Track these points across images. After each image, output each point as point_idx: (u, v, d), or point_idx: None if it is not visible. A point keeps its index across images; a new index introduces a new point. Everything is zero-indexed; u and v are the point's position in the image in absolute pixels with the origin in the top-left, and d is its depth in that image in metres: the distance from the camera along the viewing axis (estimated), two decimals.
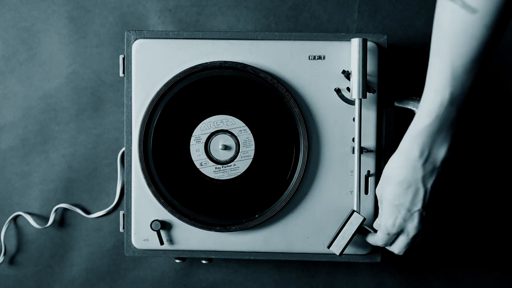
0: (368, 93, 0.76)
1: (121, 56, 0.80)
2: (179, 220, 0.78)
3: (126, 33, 0.79)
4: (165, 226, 0.79)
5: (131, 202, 0.80)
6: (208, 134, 0.78)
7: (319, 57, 0.78)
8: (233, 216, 0.78)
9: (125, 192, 0.80)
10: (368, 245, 0.79)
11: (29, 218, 0.93)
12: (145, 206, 0.79)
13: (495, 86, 0.91)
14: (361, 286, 0.93)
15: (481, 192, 0.92)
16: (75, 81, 0.93)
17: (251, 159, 0.78)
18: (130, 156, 0.79)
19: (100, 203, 0.93)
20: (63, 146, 0.93)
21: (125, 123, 0.79)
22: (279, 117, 0.78)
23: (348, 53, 0.77)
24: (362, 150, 0.76)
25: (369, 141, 0.78)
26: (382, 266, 0.93)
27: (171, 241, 0.80)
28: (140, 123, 0.78)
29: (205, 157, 0.78)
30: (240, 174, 0.78)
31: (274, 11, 0.92)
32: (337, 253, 0.75)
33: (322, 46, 0.78)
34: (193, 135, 0.78)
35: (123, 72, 0.79)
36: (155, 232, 0.79)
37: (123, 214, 0.81)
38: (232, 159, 0.78)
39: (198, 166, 0.78)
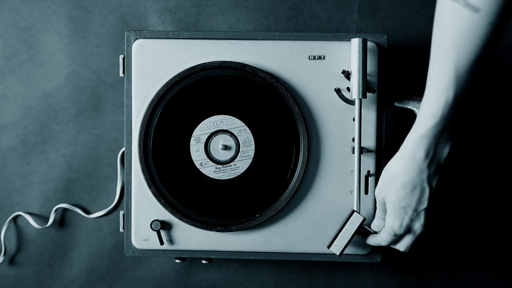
0: (368, 93, 0.76)
1: (121, 56, 0.80)
2: (179, 220, 0.78)
3: (126, 33, 0.79)
4: (165, 226, 0.79)
5: (131, 202, 0.80)
6: (208, 134, 0.78)
7: (319, 57, 0.78)
8: (234, 216, 0.79)
9: (125, 192, 0.80)
10: (368, 245, 0.79)
11: (29, 218, 0.93)
12: (145, 206, 0.79)
13: (495, 86, 0.91)
14: (361, 286, 0.93)
15: (481, 192, 0.92)
16: (75, 81, 0.93)
17: (251, 159, 0.78)
18: (130, 156, 0.79)
19: (100, 203, 0.93)
20: (63, 146, 0.93)
21: (125, 123, 0.79)
22: (279, 117, 0.78)
23: (348, 53, 0.77)
24: (362, 150, 0.76)
25: (369, 141, 0.78)
26: (382, 266, 0.93)
27: (171, 241, 0.80)
28: (140, 123, 0.78)
29: (205, 157, 0.78)
30: (240, 174, 0.78)
31: (274, 11, 0.92)
32: (337, 253, 0.75)
33: (322, 46, 0.78)
34: (193, 135, 0.78)
35: (123, 72, 0.79)
36: (155, 232, 0.79)
37: (123, 214, 0.81)
38: (232, 159, 0.78)
39: (198, 166, 0.78)
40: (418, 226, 0.69)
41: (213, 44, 0.78)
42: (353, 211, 0.75)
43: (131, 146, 0.79)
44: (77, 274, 0.94)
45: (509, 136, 0.91)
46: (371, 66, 0.77)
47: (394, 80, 0.90)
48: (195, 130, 0.78)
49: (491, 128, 0.91)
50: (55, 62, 0.93)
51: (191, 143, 0.78)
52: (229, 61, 0.77)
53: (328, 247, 0.75)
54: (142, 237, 0.80)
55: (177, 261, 0.84)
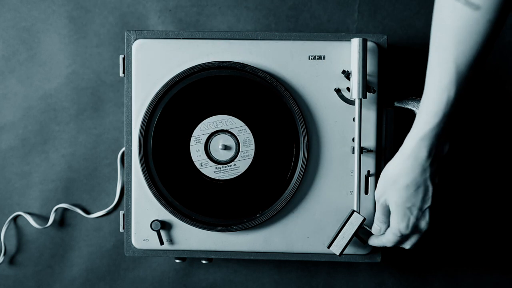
0: (368, 93, 0.76)
1: (121, 56, 0.80)
2: (179, 221, 0.78)
3: (126, 33, 0.79)
4: (165, 226, 0.79)
5: (131, 202, 0.80)
6: (208, 135, 0.78)
7: (319, 57, 0.78)
8: (234, 216, 0.79)
9: (125, 192, 0.80)
10: (368, 245, 0.79)
11: (29, 218, 0.93)
12: (145, 206, 0.79)
13: (495, 86, 0.91)
14: (361, 286, 0.93)
15: (481, 192, 0.92)
16: (75, 81, 0.93)
17: (251, 159, 0.78)
18: (130, 156, 0.79)
19: (100, 203, 0.93)
20: (63, 146, 0.93)
21: (125, 123, 0.79)
22: (279, 117, 0.78)
23: (348, 53, 0.77)
24: (362, 150, 0.76)
25: (369, 141, 0.78)
26: (382, 266, 0.93)
27: (171, 241, 0.80)
28: (140, 123, 0.78)
29: (205, 157, 0.78)
30: (241, 174, 0.78)
31: (274, 11, 0.92)
32: (337, 253, 0.75)
33: (322, 46, 0.78)
34: (193, 135, 0.78)
35: (123, 72, 0.79)
36: (155, 232, 0.79)
37: (123, 214, 0.81)
38: (232, 159, 0.78)
39: (198, 166, 0.78)
40: (424, 224, 0.69)
41: (213, 44, 0.78)
42: (353, 211, 0.75)
43: (131, 146, 0.79)
44: (77, 274, 0.94)
45: (509, 136, 0.91)
46: (371, 66, 0.77)
47: (394, 80, 0.90)
48: (195, 130, 0.78)
49: (491, 128, 0.91)
50: (55, 62, 0.93)
51: (191, 143, 0.78)
52: (229, 61, 0.77)
53: (328, 247, 0.75)
54: (142, 237, 0.80)
55: (177, 261, 0.84)
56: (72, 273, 0.94)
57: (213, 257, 0.81)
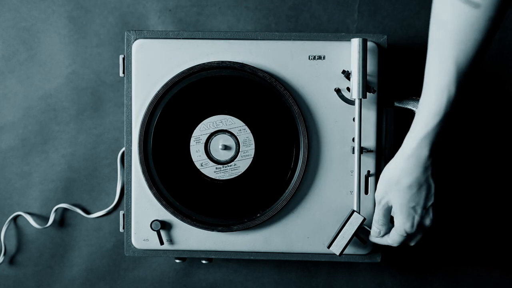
0: (368, 93, 0.76)
1: (121, 56, 0.80)
2: (179, 220, 0.78)
3: (126, 33, 0.79)
4: (165, 226, 0.79)
5: (131, 202, 0.80)
6: (208, 135, 0.78)
7: (319, 57, 0.78)
8: (235, 216, 0.79)
9: (125, 192, 0.80)
10: (368, 245, 0.79)
11: (29, 218, 0.93)
12: (145, 206, 0.79)
13: (495, 86, 0.91)
14: (361, 286, 0.93)
15: (481, 192, 0.92)
16: (75, 81, 0.93)
17: (251, 159, 0.78)
18: (130, 156, 0.79)
19: (100, 203, 0.93)
20: (63, 146, 0.93)
21: (125, 123, 0.79)
22: (279, 117, 0.78)
23: (348, 53, 0.77)
24: (362, 150, 0.76)
25: (369, 141, 0.78)
26: (382, 266, 0.93)
27: (171, 241, 0.80)
28: (140, 123, 0.78)
29: (205, 157, 0.78)
30: (241, 174, 0.78)
31: (274, 11, 0.92)
32: (337, 253, 0.75)
33: (322, 46, 0.78)
34: (192, 135, 0.78)
35: (123, 72, 0.79)
36: (155, 232, 0.79)
37: (123, 214, 0.81)
38: (233, 158, 0.78)
39: (198, 166, 0.78)
40: (428, 221, 0.69)
41: (213, 44, 0.78)
42: (353, 211, 0.75)
43: (131, 146, 0.79)
44: (77, 274, 0.94)
45: (509, 136, 0.91)
46: (371, 66, 0.77)
47: (394, 80, 0.90)
48: (195, 131, 0.78)
49: (491, 128, 0.91)
50: (55, 62, 0.93)
51: (191, 144, 0.78)
52: (228, 61, 0.77)
53: (328, 247, 0.75)
54: (142, 237, 0.80)
55: (177, 261, 0.84)
56: (72, 273, 0.94)
57: (213, 257, 0.81)
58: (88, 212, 0.94)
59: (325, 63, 0.78)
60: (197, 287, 0.94)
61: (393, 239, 0.72)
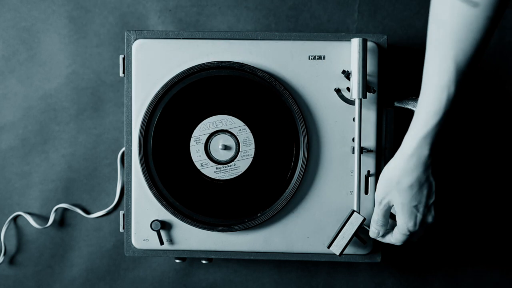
0: (368, 93, 0.76)
1: (121, 56, 0.80)
2: (179, 221, 0.78)
3: (126, 33, 0.79)
4: (165, 226, 0.79)
5: (131, 202, 0.80)
6: (208, 135, 0.78)
7: (319, 57, 0.78)
8: (235, 215, 0.79)
9: (125, 192, 0.80)
10: (368, 245, 0.79)
11: (29, 218, 0.93)
12: (145, 206, 0.79)
13: (495, 86, 0.91)
14: (361, 286, 0.93)
15: (481, 192, 0.92)
16: (75, 81, 0.93)
17: (252, 158, 0.78)
18: (130, 156, 0.79)
19: (100, 203, 0.93)
20: (63, 146, 0.93)
21: (125, 123, 0.79)
22: (279, 116, 0.78)
23: (348, 53, 0.77)
24: (362, 150, 0.76)
25: (369, 141, 0.78)
26: (382, 266, 0.93)
27: (171, 241, 0.80)
28: (140, 123, 0.78)
29: (206, 157, 0.78)
30: (241, 174, 0.78)
31: (274, 11, 0.92)
32: (337, 253, 0.75)
33: (322, 46, 0.78)
34: (192, 135, 0.78)
35: (123, 72, 0.79)
36: (155, 232, 0.79)
37: (123, 214, 0.81)
38: (233, 158, 0.78)
39: (198, 167, 0.78)
40: (430, 218, 0.69)
41: (213, 44, 0.78)
42: (353, 211, 0.75)
43: (131, 146, 0.79)
44: (77, 274, 0.94)
45: (509, 136, 0.91)
46: (371, 66, 0.77)
47: (394, 80, 0.90)
48: (194, 131, 0.78)
49: (491, 128, 0.91)
50: (55, 62, 0.93)
51: (191, 144, 0.78)
52: (228, 61, 0.77)
53: (328, 247, 0.75)
54: (142, 237, 0.80)
55: (177, 261, 0.84)
56: (72, 273, 0.94)
57: (213, 257, 0.81)
58: (88, 212, 0.94)
59: (325, 63, 0.78)
60: (197, 287, 0.94)
61: (396, 238, 0.72)
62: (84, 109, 0.93)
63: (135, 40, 0.78)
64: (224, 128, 0.78)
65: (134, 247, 0.80)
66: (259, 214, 0.78)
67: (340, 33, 0.80)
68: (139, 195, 0.79)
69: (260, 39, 0.78)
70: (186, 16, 0.92)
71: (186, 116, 0.78)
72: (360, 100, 0.75)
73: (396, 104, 0.78)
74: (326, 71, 0.78)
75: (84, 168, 0.93)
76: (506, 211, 0.92)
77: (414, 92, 0.84)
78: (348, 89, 0.77)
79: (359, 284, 0.93)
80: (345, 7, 0.91)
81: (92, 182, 0.93)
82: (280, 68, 0.78)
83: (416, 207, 0.68)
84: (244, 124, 0.78)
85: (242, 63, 0.77)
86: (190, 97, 0.78)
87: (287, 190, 0.78)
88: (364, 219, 0.74)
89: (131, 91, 0.79)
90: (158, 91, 0.77)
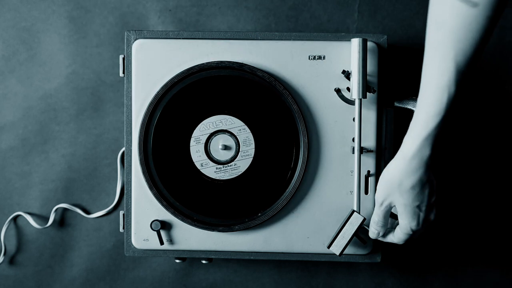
0: (368, 93, 0.76)
1: (121, 56, 0.80)
2: (180, 221, 0.78)
3: (126, 33, 0.79)
4: (165, 226, 0.79)
5: (131, 202, 0.80)
6: (208, 135, 0.78)
7: (319, 57, 0.78)
8: (235, 215, 0.79)
9: (125, 192, 0.80)
10: (368, 245, 0.79)
11: (29, 218, 0.93)
12: (145, 206, 0.79)
13: (495, 86, 0.91)
14: (361, 286, 0.93)
15: (481, 192, 0.92)
16: (75, 81, 0.93)
17: (252, 158, 0.78)
18: (130, 156, 0.79)
19: (100, 203, 0.93)
20: (63, 146, 0.93)
21: (125, 123, 0.79)
22: (278, 116, 0.78)
23: (348, 53, 0.77)
24: (362, 150, 0.76)
25: (369, 141, 0.78)
26: (382, 266, 0.93)
27: (171, 241, 0.80)
28: (140, 123, 0.78)
29: (206, 157, 0.78)
30: (241, 174, 0.78)
31: (274, 11, 0.92)
32: (337, 253, 0.75)
33: (322, 46, 0.78)
34: (192, 136, 0.78)
35: (123, 72, 0.79)
36: (155, 232, 0.79)
37: (123, 214, 0.81)
38: (233, 158, 0.78)
39: (198, 167, 0.78)
40: (432, 216, 0.69)
41: (213, 44, 0.78)
42: (353, 211, 0.75)
43: (131, 146, 0.79)
44: (77, 274, 0.94)
45: (509, 136, 0.91)
46: (371, 66, 0.77)
47: (394, 80, 0.90)
48: (194, 131, 0.78)
49: (491, 128, 0.91)
50: (55, 62, 0.93)
51: (191, 144, 0.78)
52: (227, 61, 0.77)
53: (328, 247, 0.75)
54: (142, 237, 0.80)
55: (177, 261, 0.84)
56: (72, 273, 0.94)
57: (213, 257, 0.81)
58: (88, 212, 0.94)
59: (325, 63, 0.78)
60: (197, 287, 0.94)
61: (398, 237, 0.72)
62: (84, 109, 0.93)
63: (135, 40, 0.78)
64: (224, 128, 0.78)
65: (134, 247, 0.80)
66: (259, 214, 0.78)
67: (340, 33, 0.80)
68: (139, 195, 0.79)
69: (260, 39, 0.78)
70: (186, 16, 0.92)
71: (186, 116, 0.78)
72: (360, 100, 0.75)
73: (396, 104, 0.78)
74: (326, 71, 0.78)
75: (84, 168, 0.93)
76: (506, 211, 0.92)
77: (414, 92, 0.84)
78: (348, 89, 0.77)
79: (359, 284, 0.93)
80: (345, 7, 0.91)
81: (92, 182, 0.93)
82: (280, 68, 0.78)
83: (418, 207, 0.67)
84: (244, 124, 0.78)
85: (241, 63, 0.77)
86: (190, 97, 0.78)
87: (287, 190, 0.78)
88: (364, 219, 0.74)
89: (131, 91, 0.79)
90: (158, 91, 0.77)
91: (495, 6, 0.56)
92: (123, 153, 0.92)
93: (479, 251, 0.92)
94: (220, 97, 0.78)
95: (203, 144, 0.78)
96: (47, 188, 0.93)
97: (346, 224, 0.75)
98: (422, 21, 0.91)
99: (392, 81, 0.86)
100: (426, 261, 0.93)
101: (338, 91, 0.78)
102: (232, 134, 0.78)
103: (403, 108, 0.78)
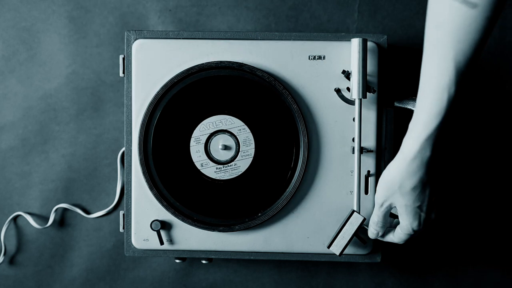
0: (368, 93, 0.76)
1: (121, 56, 0.80)
2: (180, 221, 0.78)
3: (126, 33, 0.79)
4: (165, 226, 0.79)
5: (131, 202, 0.80)
6: (208, 135, 0.78)
7: (319, 57, 0.78)
8: (235, 215, 0.79)
9: (125, 192, 0.80)
10: (368, 245, 0.79)
11: (29, 218, 0.93)
12: (145, 206, 0.79)
13: (495, 86, 0.91)
14: (361, 286, 0.93)
15: (481, 192, 0.92)
16: (75, 81, 0.93)
17: (252, 158, 0.78)
18: (130, 156, 0.79)
19: (100, 203, 0.93)
20: (63, 146, 0.93)
21: (125, 123, 0.79)
22: (278, 116, 0.78)
23: (348, 53, 0.77)
24: (362, 150, 0.76)
25: (369, 141, 0.78)
26: (382, 266, 0.93)
27: (171, 241, 0.80)
28: (140, 123, 0.78)
29: (206, 157, 0.78)
30: (241, 174, 0.78)
31: (274, 11, 0.92)
32: (337, 253, 0.75)
33: (322, 46, 0.78)
34: (192, 136, 0.78)
35: (123, 72, 0.79)
36: (155, 232, 0.79)
37: (123, 214, 0.81)
38: (233, 158, 0.78)
39: (199, 167, 0.78)
40: (433, 215, 0.69)
41: (213, 44, 0.78)
42: (353, 211, 0.75)
43: (131, 146, 0.79)
44: (77, 274, 0.94)
45: (509, 136, 0.91)
46: (371, 66, 0.77)
47: (394, 80, 0.90)
48: (194, 131, 0.78)
49: (491, 128, 0.91)
50: (55, 62, 0.93)
51: (191, 144, 0.78)
52: (227, 61, 0.77)
53: (328, 247, 0.75)
54: (142, 237, 0.80)
55: (177, 261, 0.84)
56: (72, 273, 0.94)
57: (213, 257, 0.81)
58: (88, 212, 0.94)
59: (325, 63, 0.78)
60: (197, 287, 0.94)
61: (399, 238, 0.72)
62: (84, 109, 0.93)
63: (135, 40, 0.78)
64: (224, 128, 0.78)
65: (134, 247, 0.80)
66: (259, 214, 0.78)
67: (340, 33, 0.80)
68: (139, 195, 0.79)
69: (260, 39, 0.78)
70: (186, 16, 0.92)
71: (186, 116, 0.78)
72: (360, 100, 0.75)
73: (396, 104, 0.78)
74: (326, 71, 0.78)
75: (84, 168, 0.93)
76: (506, 211, 0.92)
77: (414, 92, 0.84)
78: (348, 89, 0.77)
79: (359, 284, 0.93)
80: (345, 7, 0.91)
81: (92, 182, 0.93)
82: (280, 68, 0.78)
83: (419, 207, 0.67)
84: (244, 124, 0.78)
85: (241, 63, 0.77)
86: (190, 97, 0.78)
87: (287, 190, 0.78)
88: (364, 219, 0.74)
89: (131, 91, 0.79)
90: (158, 91, 0.77)
91: (494, 7, 0.56)
92: (123, 153, 0.92)
93: (479, 251, 0.92)
94: (220, 97, 0.78)
95: (203, 144, 0.78)
96: (47, 188, 0.93)
97: (346, 224, 0.75)
98: (422, 21, 0.90)
99: (392, 81, 0.86)
100: (426, 261, 0.93)
101: (338, 91, 0.78)
102: (232, 134, 0.78)
103: (403, 108, 0.78)
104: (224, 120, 0.78)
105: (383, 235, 0.74)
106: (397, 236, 0.72)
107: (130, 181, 0.79)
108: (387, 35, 0.78)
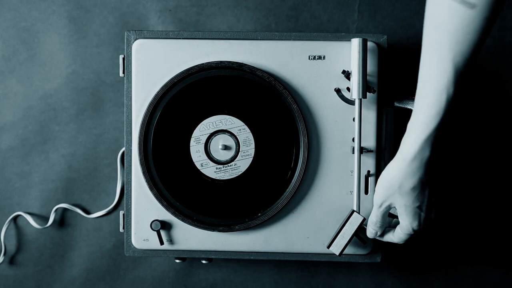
0: (368, 93, 0.76)
1: (121, 56, 0.80)
2: (180, 221, 0.78)
3: (126, 33, 0.79)
4: (165, 226, 0.79)
5: (131, 202, 0.80)
6: (208, 135, 0.78)
7: (319, 57, 0.78)
8: (235, 215, 0.79)
9: (125, 192, 0.80)
10: (368, 245, 0.79)
11: (29, 218, 0.93)
12: (145, 206, 0.79)
13: (495, 86, 0.91)
14: (361, 286, 0.93)
15: (481, 192, 0.92)
16: (75, 81, 0.93)
17: (252, 158, 0.78)
18: (130, 156, 0.79)
19: (100, 203, 0.93)
20: (63, 146, 0.93)
21: (125, 123, 0.79)
22: (278, 116, 0.78)
23: (348, 53, 0.77)
24: (362, 150, 0.76)
25: (369, 141, 0.78)
26: (382, 266, 0.93)
27: (171, 241, 0.80)
28: (140, 123, 0.78)
29: (206, 157, 0.78)
30: (241, 174, 0.78)
31: (274, 11, 0.92)
32: (337, 253, 0.75)
33: (322, 46, 0.78)
34: (192, 136, 0.78)
35: (123, 72, 0.79)
36: (155, 232, 0.79)
37: (123, 214, 0.81)
38: (233, 158, 0.78)
39: (199, 167, 0.78)
40: (433, 214, 0.69)
41: (213, 44, 0.78)
42: (353, 211, 0.75)
43: (131, 146, 0.79)
44: (77, 274, 0.94)
45: (509, 136, 0.91)
46: (371, 66, 0.77)
47: (394, 80, 0.90)
48: (194, 131, 0.78)
49: (491, 128, 0.91)
50: (55, 62, 0.93)
51: (191, 144, 0.78)
52: (227, 61, 0.77)
53: (328, 247, 0.75)
54: (142, 237, 0.80)
55: (177, 261, 0.84)
56: (72, 273, 0.94)
57: (213, 257, 0.81)
58: (88, 212, 0.94)
59: (325, 63, 0.78)
60: (197, 287, 0.94)
61: (399, 237, 0.72)
62: (84, 109, 0.93)
63: (135, 40, 0.78)
64: (224, 128, 0.78)
65: (134, 247, 0.80)
66: (259, 214, 0.78)
67: (340, 33, 0.80)
68: (139, 195, 0.79)
69: (260, 39, 0.78)
70: (186, 16, 0.92)
71: (186, 116, 0.78)
72: (360, 100, 0.75)
73: (396, 104, 0.78)
74: (326, 71, 0.78)
75: (84, 168, 0.93)
76: (506, 211, 0.92)
77: (414, 92, 0.84)
78: (348, 89, 0.77)
79: (359, 284, 0.93)
80: (345, 7, 0.91)
81: (92, 182, 0.93)
82: (280, 68, 0.78)
83: (419, 207, 0.67)
84: (244, 124, 0.78)
85: (241, 63, 0.77)
86: (190, 97, 0.78)
87: (287, 190, 0.78)
88: (364, 219, 0.74)
89: (131, 91, 0.79)
90: (158, 91, 0.77)
91: (492, 7, 0.56)
92: (123, 153, 0.92)
93: (479, 251, 0.92)
94: (220, 97, 0.78)
95: (203, 144, 0.78)
96: (47, 188, 0.93)
97: (346, 224, 0.75)
98: (422, 21, 0.90)
99: (392, 81, 0.86)
100: (426, 261, 0.93)
101: (338, 91, 0.78)
102: (232, 134, 0.78)
103: (403, 108, 0.78)
104: (224, 120, 0.78)
105: (382, 235, 0.74)
106: (397, 236, 0.72)
107: (130, 181, 0.79)
108: (387, 35, 0.78)
